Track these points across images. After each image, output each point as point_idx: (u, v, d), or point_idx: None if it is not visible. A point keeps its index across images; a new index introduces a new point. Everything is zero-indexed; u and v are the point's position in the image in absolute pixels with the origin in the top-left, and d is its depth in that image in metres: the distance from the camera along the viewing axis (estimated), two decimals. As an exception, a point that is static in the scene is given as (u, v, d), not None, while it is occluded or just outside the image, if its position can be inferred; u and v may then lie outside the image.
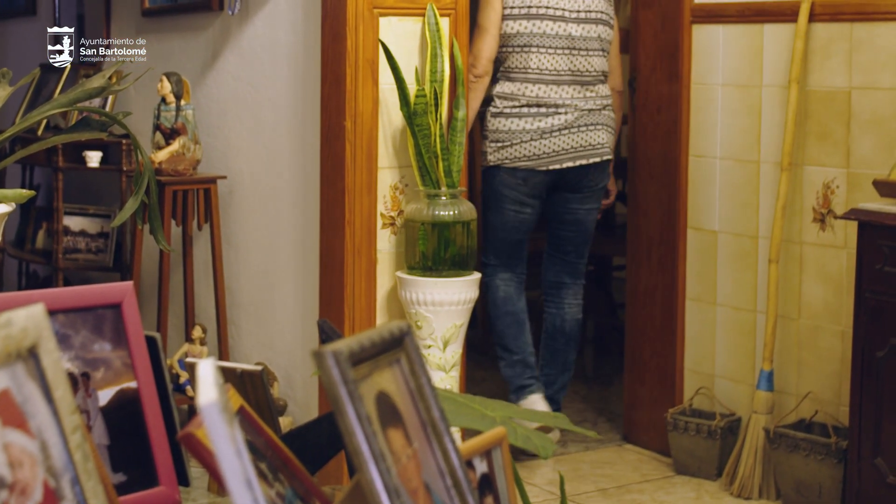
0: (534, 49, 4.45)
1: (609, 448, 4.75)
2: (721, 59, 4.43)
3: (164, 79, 4.67)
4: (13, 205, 2.97)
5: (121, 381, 1.60)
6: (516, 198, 4.54)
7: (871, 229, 3.57)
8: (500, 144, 4.49)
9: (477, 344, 6.00)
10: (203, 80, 4.96)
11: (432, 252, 4.04)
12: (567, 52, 4.47)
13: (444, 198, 4.06)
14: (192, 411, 4.56)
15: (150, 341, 1.65)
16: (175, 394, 4.36)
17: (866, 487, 3.59)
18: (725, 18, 4.40)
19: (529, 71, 4.46)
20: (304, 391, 4.39)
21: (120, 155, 5.37)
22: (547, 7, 4.45)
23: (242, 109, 4.72)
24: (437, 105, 4.04)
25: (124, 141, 5.26)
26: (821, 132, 4.11)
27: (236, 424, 1.08)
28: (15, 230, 6.33)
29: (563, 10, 4.47)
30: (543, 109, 4.46)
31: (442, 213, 4.04)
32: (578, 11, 4.49)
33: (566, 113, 4.47)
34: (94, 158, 5.41)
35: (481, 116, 4.57)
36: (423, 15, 4.12)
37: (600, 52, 4.55)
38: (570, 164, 4.50)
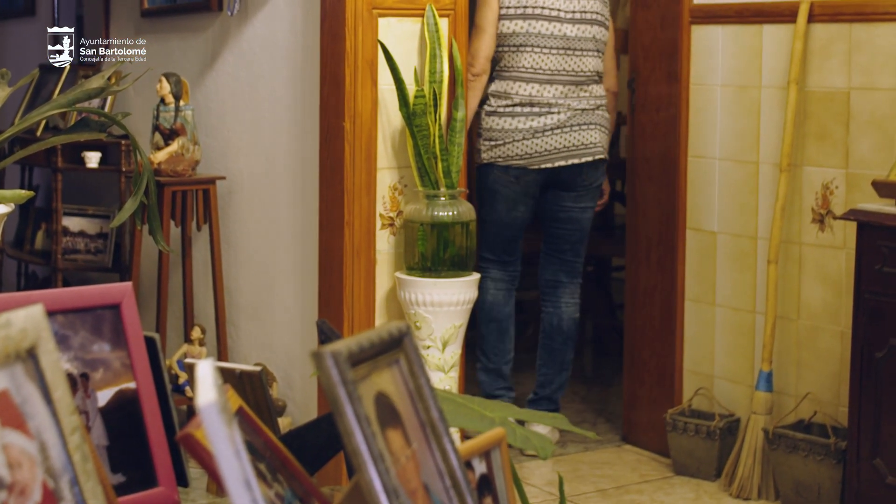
0: (528, 48, 4.47)
1: (608, 448, 4.75)
2: (720, 60, 4.43)
3: (163, 79, 4.67)
4: (12, 205, 2.97)
5: (120, 382, 1.60)
6: (509, 195, 4.56)
7: (870, 230, 3.57)
8: (493, 143, 4.51)
9: (476, 345, 6.00)
10: (202, 80, 4.96)
11: (431, 253, 4.04)
12: (561, 52, 4.49)
13: (443, 198, 4.06)
14: (190, 412, 4.56)
15: (149, 342, 1.65)
16: (174, 394, 4.37)
17: (865, 488, 3.59)
18: (724, 19, 4.40)
19: (523, 70, 4.48)
20: (303, 392, 4.39)
21: (119, 155, 5.37)
22: (542, 7, 4.47)
23: (241, 110, 4.72)
24: (436, 106, 4.04)
25: (123, 141, 5.26)
26: (820, 133, 4.11)
27: (235, 425, 1.08)
28: (14, 231, 6.33)
29: (559, 10, 4.49)
30: (536, 109, 4.48)
31: (441, 213, 4.04)
32: (573, 12, 4.51)
33: (559, 112, 4.49)
34: (93, 159, 5.41)
35: (476, 114, 4.58)
36: (423, 16, 4.12)
37: (595, 53, 4.57)
38: (563, 163, 4.52)
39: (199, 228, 4.74)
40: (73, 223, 5.67)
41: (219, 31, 4.86)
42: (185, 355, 4.64)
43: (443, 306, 4.01)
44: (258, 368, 1.73)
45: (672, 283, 4.59)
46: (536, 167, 4.51)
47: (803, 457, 3.97)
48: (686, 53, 4.52)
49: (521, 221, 4.65)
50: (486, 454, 1.57)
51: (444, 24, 4.17)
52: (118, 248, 5.66)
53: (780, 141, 4.19)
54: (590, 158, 4.56)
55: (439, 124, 4.04)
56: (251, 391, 1.69)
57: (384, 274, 4.16)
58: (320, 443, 1.63)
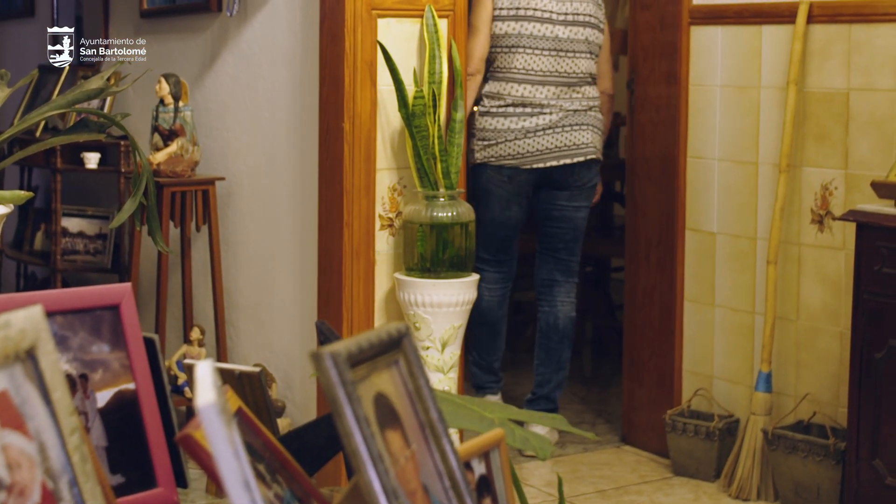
0: (520, 50, 4.52)
1: (607, 449, 4.75)
2: (719, 61, 4.43)
3: (163, 80, 4.67)
4: (11, 206, 2.97)
5: (119, 383, 1.60)
6: (503, 195, 4.60)
7: (869, 231, 3.57)
8: (485, 143, 4.55)
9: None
10: (201, 81, 4.96)
11: (430, 253, 4.04)
12: (553, 53, 4.53)
13: (442, 199, 4.06)
14: (190, 413, 4.55)
15: (149, 343, 1.65)
16: (173, 395, 4.36)
17: (864, 488, 3.59)
18: (724, 20, 4.41)
19: (515, 71, 4.52)
20: (303, 392, 4.39)
21: (118, 156, 5.37)
22: (535, 9, 4.52)
23: (241, 111, 4.72)
24: (435, 106, 4.04)
25: (122, 142, 5.26)
26: (819, 133, 4.11)
27: (234, 426, 1.08)
28: (13, 232, 6.33)
29: (551, 12, 4.53)
30: (528, 109, 4.52)
31: (440, 214, 4.04)
32: (566, 14, 4.55)
33: (551, 113, 4.53)
34: (92, 160, 5.41)
35: (470, 115, 4.60)
36: (422, 16, 4.13)
37: (587, 55, 4.61)
38: (555, 163, 4.55)
39: (198, 229, 4.74)
40: (72, 224, 5.67)
41: (218, 31, 4.86)
42: (185, 356, 4.64)
43: (442, 307, 4.01)
44: (257, 369, 1.72)
45: (671, 283, 4.59)
46: (528, 167, 4.55)
47: (802, 457, 3.97)
48: (685, 54, 4.52)
49: (516, 221, 4.68)
50: (485, 455, 1.57)
51: (443, 24, 4.17)
52: (117, 249, 5.66)
53: (780, 142, 4.19)
54: (581, 158, 4.59)
55: (438, 125, 4.04)
56: (250, 392, 1.69)
57: (383, 275, 4.16)
58: (319, 444, 1.63)
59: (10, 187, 6.32)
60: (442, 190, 4.06)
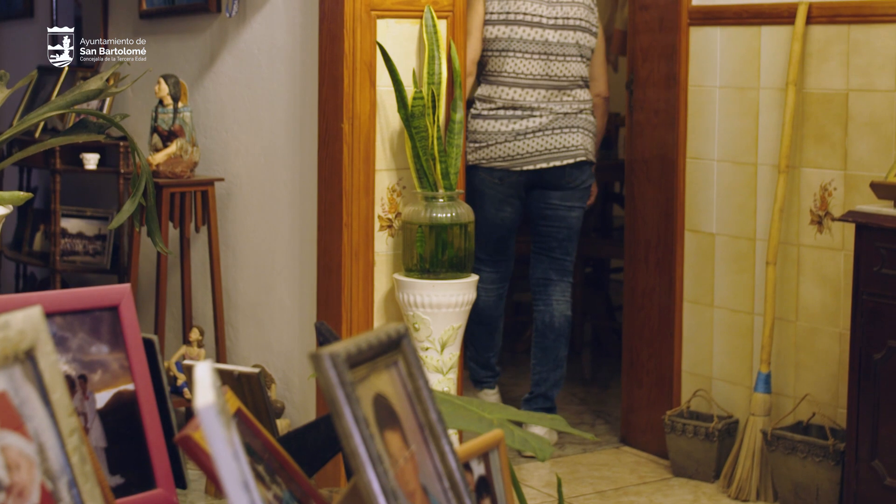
0: (510, 53, 4.58)
1: (606, 450, 4.75)
2: (718, 62, 4.43)
3: (162, 81, 4.67)
4: (11, 207, 2.97)
5: (118, 384, 1.60)
6: (495, 196, 4.65)
7: (868, 231, 3.57)
8: (477, 145, 4.59)
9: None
10: (200, 82, 4.96)
11: (430, 254, 4.04)
12: (543, 56, 4.59)
13: (441, 200, 4.06)
14: (189, 414, 4.56)
15: (148, 343, 1.65)
16: (172, 396, 4.36)
17: (864, 489, 3.59)
18: (723, 20, 4.41)
19: (506, 75, 4.59)
20: (302, 393, 4.39)
21: (117, 157, 5.37)
22: (525, 14, 4.57)
23: (240, 111, 4.72)
24: (434, 107, 4.04)
25: (122, 143, 5.26)
26: (818, 134, 4.11)
27: (233, 427, 1.08)
28: (12, 232, 6.33)
29: (541, 16, 4.59)
30: (519, 112, 4.58)
31: (439, 215, 4.05)
32: (556, 18, 4.60)
33: (540, 116, 4.58)
34: (91, 161, 5.41)
35: None
36: (421, 17, 4.13)
37: (578, 58, 4.65)
38: (544, 164, 4.61)
39: (197, 230, 4.74)
40: (71, 225, 5.67)
41: (217, 32, 4.86)
42: (184, 357, 4.64)
43: (441, 308, 4.01)
44: (256, 370, 1.72)
45: (670, 284, 4.59)
46: (519, 169, 4.61)
47: (802, 458, 3.97)
48: (684, 55, 4.52)
49: (511, 221, 4.72)
50: (484, 456, 1.57)
51: (442, 25, 4.17)
52: (116, 250, 5.66)
53: (779, 142, 4.19)
54: (571, 161, 4.64)
55: (438, 126, 4.04)
56: (249, 393, 1.69)
57: (382, 275, 4.16)
58: (319, 444, 1.63)
59: (9, 188, 6.32)
60: (441, 191, 4.06)
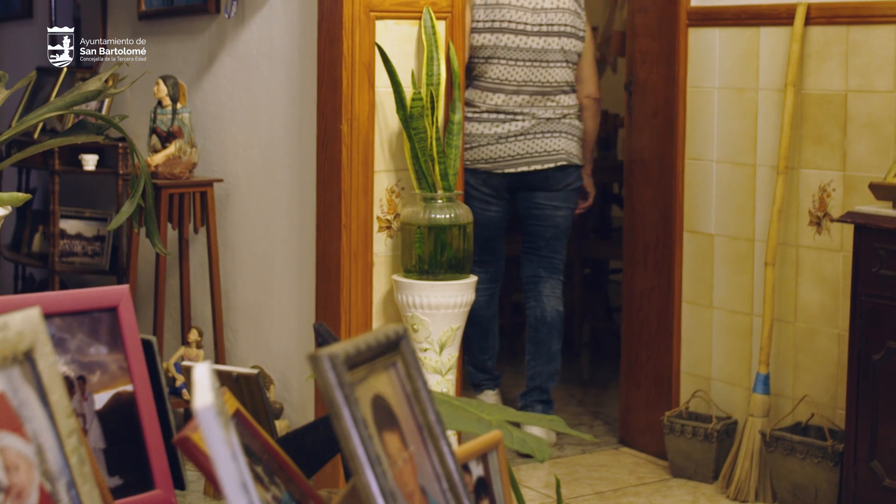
0: (496, 60, 4.64)
1: (605, 451, 4.75)
2: (717, 63, 4.43)
3: (161, 82, 4.67)
4: (9, 208, 2.97)
5: (117, 385, 1.60)
6: (480, 196, 4.71)
7: (867, 232, 3.57)
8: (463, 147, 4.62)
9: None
10: (199, 83, 4.96)
11: (428, 255, 4.04)
12: (528, 63, 4.65)
13: (440, 201, 4.06)
14: (187, 415, 4.55)
15: (147, 345, 1.65)
16: (171, 397, 4.36)
17: (862, 490, 3.59)
18: (722, 21, 4.41)
19: (490, 81, 4.66)
20: (301, 394, 4.39)
21: (116, 158, 5.37)
22: (510, 21, 4.64)
23: (239, 112, 4.72)
24: (433, 108, 4.04)
25: (120, 144, 5.26)
26: (817, 135, 4.11)
27: (232, 428, 1.08)
28: (11, 233, 6.33)
29: (525, 24, 4.64)
30: (502, 116, 4.66)
31: (438, 216, 4.05)
32: (540, 25, 4.66)
33: (523, 120, 4.66)
34: (90, 161, 5.41)
35: None
36: (420, 18, 4.13)
37: (563, 64, 4.71)
38: (525, 168, 4.68)
39: (196, 231, 4.74)
40: (70, 226, 5.67)
41: (216, 33, 4.86)
42: (183, 358, 4.64)
43: (440, 309, 4.01)
44: (255, 371, 1.72)
45: (669, 285, 4.59)
46: (501, 171, 4.68)
47: (800, 459, 3.97)
48: (683, 56, 4.52)
49: (498, 221, 4.78)
50: (483, 457, 1.57)
51: (441, 26, 4.17)
52: (115, 251, 5.66)
53: (778, 143, 4.19)
54: (552, 165, 4.71)
55: (436, 127, 4.04)
56: (248, 394, 1.69)
57: (381, 276, 4.16)
58: (317, 445, 1.63)
59: (8, 189, 6.32)
60: (440, 192, 4.06)
